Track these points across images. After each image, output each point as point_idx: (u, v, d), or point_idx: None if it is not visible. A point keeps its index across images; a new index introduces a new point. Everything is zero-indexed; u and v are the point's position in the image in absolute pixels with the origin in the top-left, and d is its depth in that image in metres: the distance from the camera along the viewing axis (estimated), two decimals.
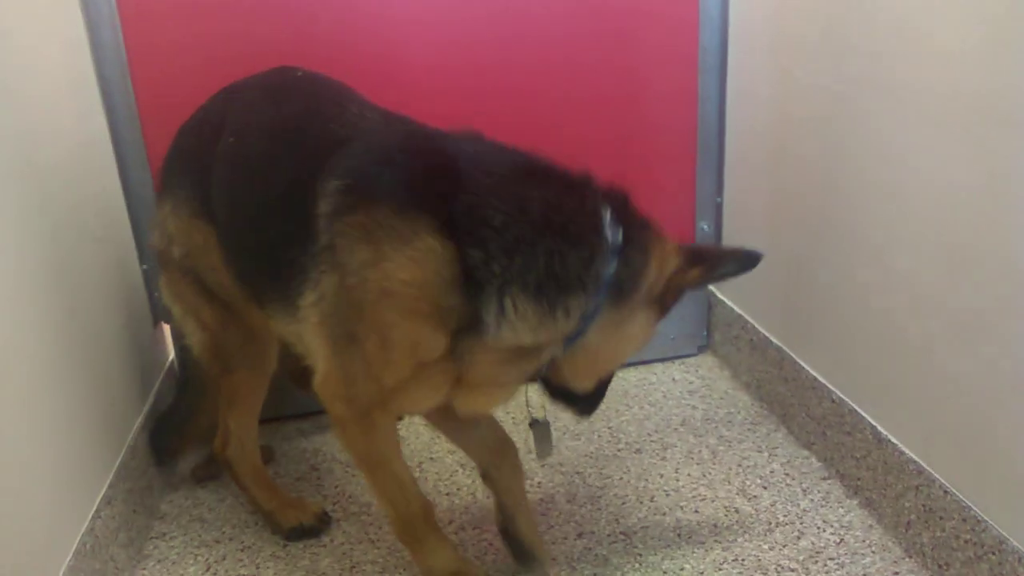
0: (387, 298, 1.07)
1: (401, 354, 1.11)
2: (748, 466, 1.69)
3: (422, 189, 1.09)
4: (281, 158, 1.26)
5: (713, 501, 1.59)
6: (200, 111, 1.47)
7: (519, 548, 1.41)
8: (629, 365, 2.09)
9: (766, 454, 1.72)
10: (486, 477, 1.42)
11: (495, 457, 1.40)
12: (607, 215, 1.13)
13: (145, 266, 1.79)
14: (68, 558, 1.23)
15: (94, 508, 1.36)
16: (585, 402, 1.31)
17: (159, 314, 1.83)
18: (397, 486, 1.29)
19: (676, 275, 1.18)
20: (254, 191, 1.29)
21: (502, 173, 1.12)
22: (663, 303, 1.20)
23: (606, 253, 1.12)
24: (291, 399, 1.93)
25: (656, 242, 1.18)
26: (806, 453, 1.71)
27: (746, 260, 1.23)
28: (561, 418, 1.88)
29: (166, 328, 1.88)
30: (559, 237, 1.09)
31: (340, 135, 1.21)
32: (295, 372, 1.80)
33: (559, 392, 1.27)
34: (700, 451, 1.75)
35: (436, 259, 1.05)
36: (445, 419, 1.39)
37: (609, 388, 1.34)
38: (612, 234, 1.12)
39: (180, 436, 1.68)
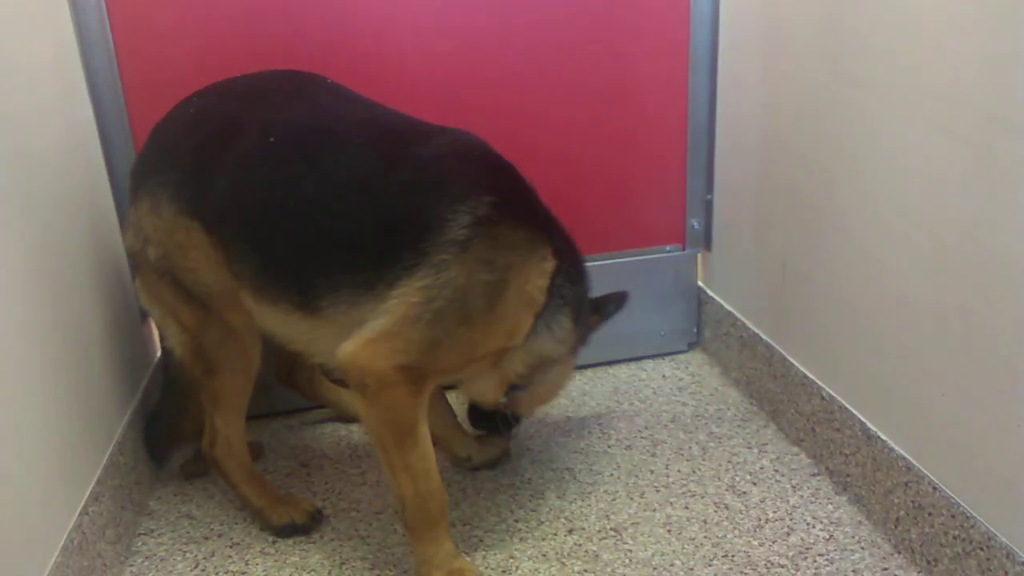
0: (520, 295, 1.32)
1: (506, 338, 1.35)
2: (738, 462, 1.69)
3: (543, 224, 1.39)
4: (367, 159, 1.35)
5: (703, 497, 1.59)
6: (189, 109, 1.45)
7: (488, 464, 1.72)
8: (620, 362, 2.10)
9: (756, 450, 1.73)
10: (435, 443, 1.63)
11: (445, 432, 1.67)
12: None
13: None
14: (55, 555, 1.22)
15: (81, 504, 1.35)
16: (512, 426, 1.68)
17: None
18: (421, 458, 1.33)
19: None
20: (326, 188, 1.32)
21: (561, 228, 1.44)
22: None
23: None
24: (280, 395, 1.92)
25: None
26: (795, 450, 1.72)
27: (620, 299, 1.60)
28: (550, 415, 1.89)
29: (153, 324, 1.86)
30: (586, 286, 1.47)
31: (440, 146, 1.37)
32: (281, 371, 1.79)
33: (504, 420, 1.62)
34: (690, 447, 1.75)
35: (550, 275, 1.35)
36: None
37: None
38: None
39: (172, 433, 1.67)
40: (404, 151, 1.35)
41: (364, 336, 1.27)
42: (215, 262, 1.40)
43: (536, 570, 1.43)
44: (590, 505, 1.59)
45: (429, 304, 1.25)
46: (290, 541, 1.53)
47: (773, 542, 1.46)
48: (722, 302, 2.03)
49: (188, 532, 1.57)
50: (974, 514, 1.25)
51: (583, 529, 1.52)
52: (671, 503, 1.58)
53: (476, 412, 1.67)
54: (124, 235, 1.50)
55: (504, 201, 1.32)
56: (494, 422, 1.63)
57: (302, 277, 1.33)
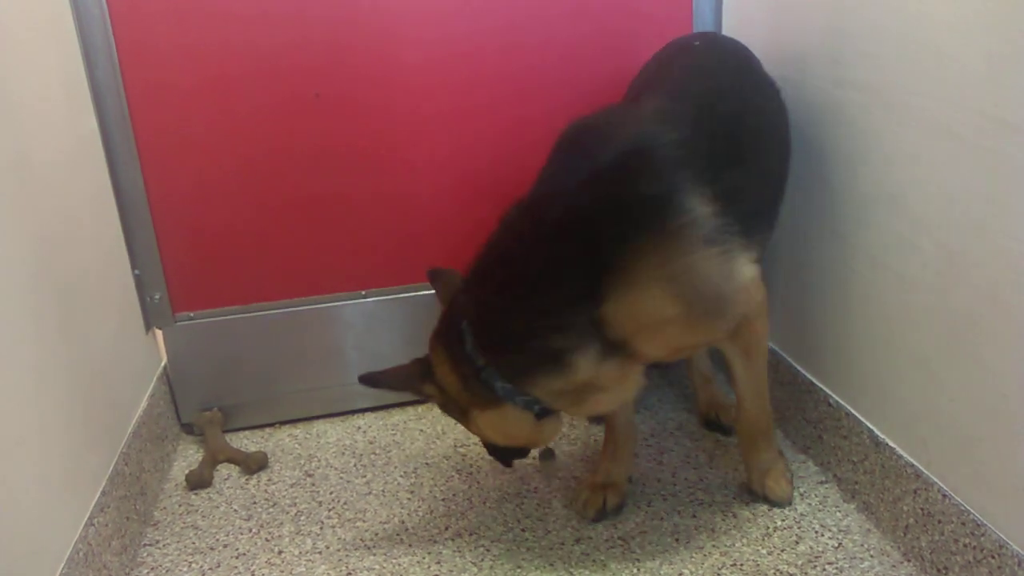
0: None
1: None
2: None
3: None
4: None
5: (711, 505, 1.59)
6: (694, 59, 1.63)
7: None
8: None
9: None
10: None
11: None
12: None
13: (137, 271, 1.77)
14: (61, 566, 1.22)
15: (87, 515, 1.34)
16: None
17: (151, 319, 1.82)
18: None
19: None
20: None
21: None
22: None
23: None
24: (284, 405, 1.92)
25: None
26: (803, 457, 1.71)
27: None
28: None
29: (158, 334, 1.86)
30: None
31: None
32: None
33: None
34: (697, 455, 1.74)
35: None
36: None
37: None
38: None
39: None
40: None
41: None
42: None
43: None
44: None
45: None
46: (296, 551, 1.52)
47: (782, 551, 1.45)
48: None
49: (193, 543, 1.57)
50: (985, 522, 1.24)
51: (590, 538, 1.52)
52: (678, 511, 1.57)
53: None
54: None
55: None
56: None
57: None
